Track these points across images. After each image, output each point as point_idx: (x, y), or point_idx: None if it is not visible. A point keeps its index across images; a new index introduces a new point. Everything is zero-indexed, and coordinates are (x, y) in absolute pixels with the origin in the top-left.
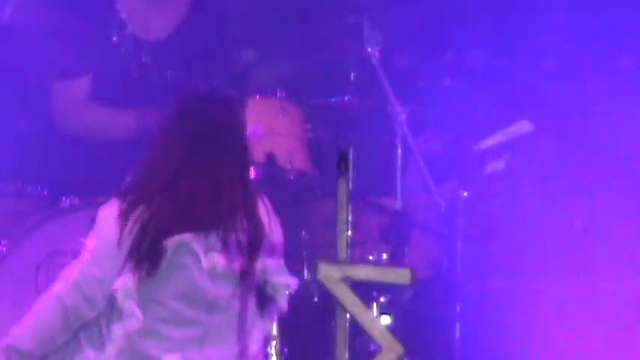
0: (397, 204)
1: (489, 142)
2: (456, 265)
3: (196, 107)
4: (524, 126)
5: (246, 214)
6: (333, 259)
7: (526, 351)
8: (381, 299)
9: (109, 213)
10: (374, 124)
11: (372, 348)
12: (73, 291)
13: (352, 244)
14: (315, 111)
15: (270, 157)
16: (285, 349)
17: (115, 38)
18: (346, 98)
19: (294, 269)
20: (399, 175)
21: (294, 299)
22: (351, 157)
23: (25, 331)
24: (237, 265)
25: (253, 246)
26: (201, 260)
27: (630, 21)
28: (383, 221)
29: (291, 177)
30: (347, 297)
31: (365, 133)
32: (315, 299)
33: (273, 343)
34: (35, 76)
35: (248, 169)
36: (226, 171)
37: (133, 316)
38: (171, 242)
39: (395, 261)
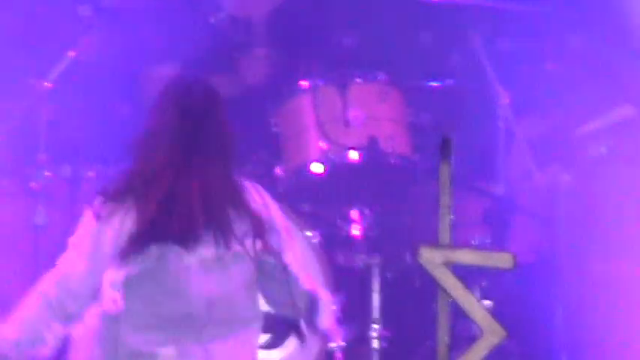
0: (499, 188)
1: (592, 126)
2: (557, 249)
3: (176, 99)
4: (626, 110)
5: (233, 204)
6: (435, 244)
7: (628, 337)
8: (483, 283)
9: (94, 211)
10: (476, 108)
11: (474, 332)
12: (56, 287)
13: (454, 228)
14: (416, 95)
15: (372, 142)
16: (387, 332)
17: (212, 19)
18: (448, 82)
19: (395, 253)
20: (501, 159)
21: (396, 283)
22: (453, 141)
23: (12, 323)
24: (229, 255)
25: (244, 235)
26: (189, 257)
27: None
28: (485, 205)
29: (393, 161)
30: (449, 281)
31: (467, 117)
32: (417, 283)
33: (375, 326)
34: (135, 60)
35: (230, 158)
36: (210, 165)
37: (113, 300)
38: (157, 241)
39: (497, 245)
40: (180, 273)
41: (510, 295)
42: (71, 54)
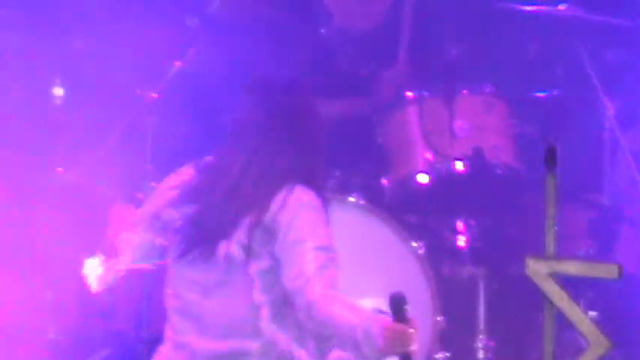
0: (605, 199)
1: None
2: None
3: (261, 97)
4: None
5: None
6: (541, 254)
7: None
8: (589, 294)
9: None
10: (581, 119)
11: (580, 343)
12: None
13: (560, 239)
14: (521, 106)
15: (478, 152)
16: (492, 343)
17: (323, 30)
18: (553, 93)
19: (501, 264)
20: (606, 170)
21: (502, 294)
22: (558, 152)
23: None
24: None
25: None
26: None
27: None
28: (591, 216)
29: (499, 171)
30: (555, 292)
31: (572, 127)
32: (523, 294)
33: (480, 336)
34: (240, 69)
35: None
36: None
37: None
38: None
39: (603, 256)
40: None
41: (616, 306)
42: (178, 64)
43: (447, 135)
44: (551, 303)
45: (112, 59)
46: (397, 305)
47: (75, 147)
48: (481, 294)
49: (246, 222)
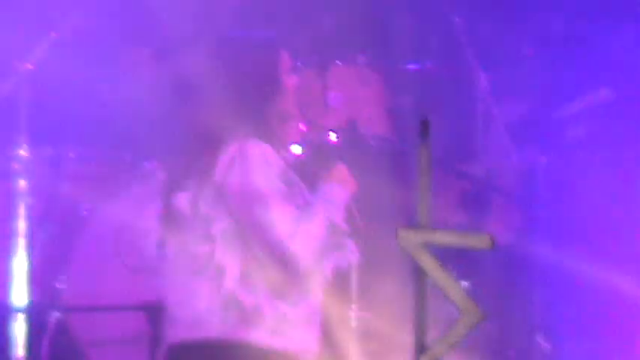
0: (478, 170)
1: (569, 109)
2: (535, 230)
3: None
4: (604, 94)
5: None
6: (414, 225)
7: (604, 316)
8: (461, 264)
9: None
10: (455, 91)
11: (453, 314)
12: None
13: (433, 210)
14: (396, 78)
15: (352, 123)
16: (366, 313)
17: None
18: (427, 65)
19: (373, 234)
20: (479, 141)
21: (375, 264)
22: (431, 123)
23: None
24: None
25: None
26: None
27: None
28: (464, 186)
29: (372, 142)
30: (427, 262)
31: (446, 99)
32: (396, 264)
33: (353, 306)
34: (116, 42)
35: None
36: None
37: None
38: None
39: (475, 226)
40: None
41: (488, 276)
42: (53, 35)
43: (320, 106)
44: (424, 273)
45: None
46: None
47: None
48: (353, 265)
49: None
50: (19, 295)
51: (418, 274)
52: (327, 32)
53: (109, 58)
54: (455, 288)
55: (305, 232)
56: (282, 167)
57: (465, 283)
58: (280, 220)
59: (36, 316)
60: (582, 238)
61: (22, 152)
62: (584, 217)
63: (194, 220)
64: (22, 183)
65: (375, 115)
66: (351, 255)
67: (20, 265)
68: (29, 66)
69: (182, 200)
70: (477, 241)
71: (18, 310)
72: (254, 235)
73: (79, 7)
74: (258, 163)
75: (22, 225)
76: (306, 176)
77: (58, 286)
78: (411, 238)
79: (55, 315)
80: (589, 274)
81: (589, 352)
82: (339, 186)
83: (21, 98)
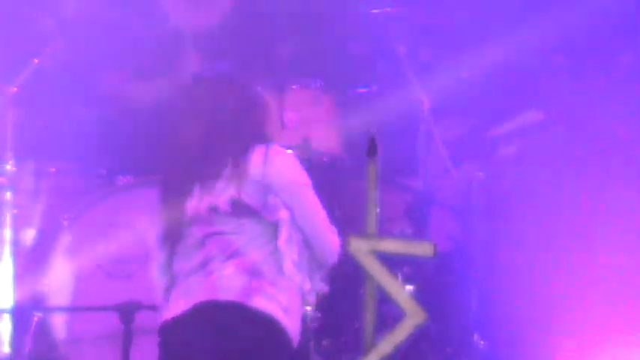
0: (420, 184)
1: (503, 128)
2: (472, 238)
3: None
4: (534, 115)
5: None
6: (363, 234)
7: (533, 316)
8: (405, 270)
9: None
10: (400, 112)
11: (399, 315)
12: None
13: (380, 220)
14: (346, 100)
15: (306, 142)
16: (319, 314)
17: (159, 30)
18: (374, 88)
19: None
20: (421, 158)
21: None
22: (378, 141)
23: None
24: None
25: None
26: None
27: (632, 18)
28: (407, 199)
29: (325, 159)
30: (375, 268)
31: (391, 119)
32: (347, 270)
33: (308, 308)
34: (93, 67)
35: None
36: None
37: None
38: None
39: (418, 235)
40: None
41: (430, 281)
42: (35, 61)
43: (278, 126)
44: (372, 278)
45: None
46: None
47: None
48: None
49: None
50: (5, 296)
51: (367, 278)
52: (285, 59)
53: (86, 81)
54: (400, 291)
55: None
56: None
57: (409, 287)
58: (319, 205)
59: (20, 316)
60: (515, 246)
61: (9, 167)
62: (516, 226)
63: (260, 210)
64: (8, 195)
65: (327, 133)
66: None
67: (6, 269)
68: (14, 89)
69: (220, 199)
70: (420, 249)
71: (3, 311)
72: (303, 218)
73: (58, 35)
74: (290, 158)
75: (7, 233)
76: None
77: (40, 288)
78: (361, 246)
79: (37, 315)
80: (521, 277)
81: (518, 348)
82: None
83: (7, 118)
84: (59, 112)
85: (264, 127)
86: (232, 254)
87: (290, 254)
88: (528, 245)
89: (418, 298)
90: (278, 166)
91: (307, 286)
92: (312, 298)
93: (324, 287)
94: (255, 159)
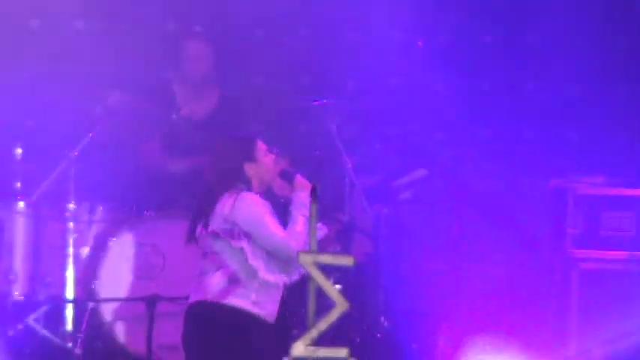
0: (346, 217)
1: (401, 181)
2: (381, 255)
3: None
4: (421, 172)
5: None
6: (308, 250)
7: (424, 306)
8: (336, 274)
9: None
10: (332, 170)
11: (332, 305)
12: None
13: (319, 242)
14: (297, 159)
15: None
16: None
17: (174, 116)
18: (315, 153)
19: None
20: (347, 199)
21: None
22: (318, 190)
23: None
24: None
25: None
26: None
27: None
28: (338, 227)
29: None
30: (316, 273)
31: (326, 175)
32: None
33: (338, 286)
34: (130, 140)
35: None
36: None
37: None
38: None
39: (344, 251)
40: None
41: (352, 282)
42: (90, 135)
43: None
44: (314, 280)
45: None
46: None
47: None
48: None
49: None
50: (69, 292)
51: (311, 280)
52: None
53: (125, 148)
54: (331, 289)
55: (295, 230)
56: (268, 206)
57: (338, 286)
58: (277, 229)
59: (79, 305)
60: (410, 260)
61: (72, 205)
62: (411, 247)
63: (229, 237)
64: (71, 224)
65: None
66: (320, 231)
67: (70, 274)
68: (75, 153)
69: (210, 230)
70: (345, 261)
71: (69, 301)
72: (263, 241)
73: (104, 116)
74: (257, 202)
75: (70, 250)
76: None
77: (92, 286)
78: (307, 258)
79: (90, 305)
80: (415, 281)
81: (412, 328)
82: (303, 192)
83: (70, 173)
84: (108, 168)
85: (243, 179)
86: (219, 266)
87: (259, 266)
88: (419, 259)
89: (344, 294)
90: (240, 209)
91: (283, 279)
92: (296, 277)
93: (301, 271)
94: (227, 204)
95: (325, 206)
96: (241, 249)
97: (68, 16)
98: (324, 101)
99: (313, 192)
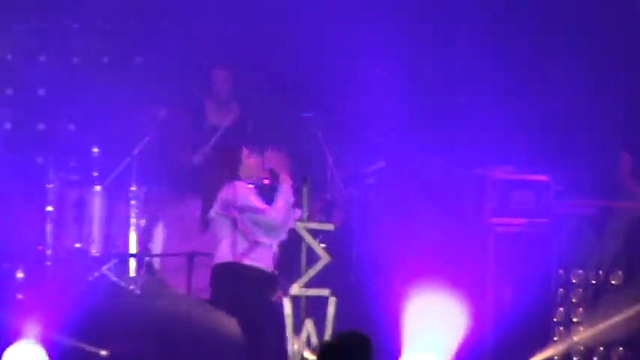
0: (328, 196)
1: (367, 170)
2: (353, 223)
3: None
4: (381, 164)
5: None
6: (302, 218)
7: (385, 272)
8: (321, 236)
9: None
10: (318, 164)
11: (318, 257)
12: None
13: (310, 212)
14: (291, 155)
15: (272, 172)
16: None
17: (205, 125)
18: (302, 151)
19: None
20: (329, 184)
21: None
22: (309, 178)
23: None
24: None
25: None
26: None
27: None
28: (322, 203)
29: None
30: (307, 236)
31: (314, 169)
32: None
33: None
34: (177, 148)
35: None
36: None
37: None
38: None
39: (327, 220)
40: None
41: (332, 242)
42: (148, 138)
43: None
44: (305, 240)
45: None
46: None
47: None
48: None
49: None
50: (133, 249)
51: (302, 242)
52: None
53: (172, 155)
54: (317, 246)
55: (275, 206)
56: (254, 189)
57: (323, 245)
58: (260, 205)
59: (139, 259)
60: (374, 226)
61: (133, 188)
62: (374, 217)
63: (220, 216)
64: (133, 202)
65: (284, 175)
66: (296, 214)
67: (133, 237)
68: (136, 151)
69: (212, 211)
70: (328, 227)
71: (132, 256)
72: (251, 213)
73: (153, 127)
74: (244, 188)
75: (133, 220)
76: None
77: (148, 246)
78: (300, 225)
79: (147, 259)
80: (381, 251)
81: (373, 285)
82: (287, 184)
83: (133, 167)
84: (159, 161)
85: (235, 174)
86: (224, 236)
87: (250, 232)
88: (381, 227)
89: (327, 250)
90: (234, 193)
91: (270, 241)
92: (282, 238)
93: (285, 234)
94: (225, 191)
95: (314, 189)
96: (234, 219)
97: (130, 54)
98: (310, 114)
99: (305, 179)
